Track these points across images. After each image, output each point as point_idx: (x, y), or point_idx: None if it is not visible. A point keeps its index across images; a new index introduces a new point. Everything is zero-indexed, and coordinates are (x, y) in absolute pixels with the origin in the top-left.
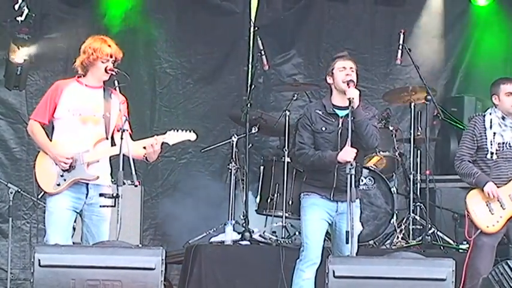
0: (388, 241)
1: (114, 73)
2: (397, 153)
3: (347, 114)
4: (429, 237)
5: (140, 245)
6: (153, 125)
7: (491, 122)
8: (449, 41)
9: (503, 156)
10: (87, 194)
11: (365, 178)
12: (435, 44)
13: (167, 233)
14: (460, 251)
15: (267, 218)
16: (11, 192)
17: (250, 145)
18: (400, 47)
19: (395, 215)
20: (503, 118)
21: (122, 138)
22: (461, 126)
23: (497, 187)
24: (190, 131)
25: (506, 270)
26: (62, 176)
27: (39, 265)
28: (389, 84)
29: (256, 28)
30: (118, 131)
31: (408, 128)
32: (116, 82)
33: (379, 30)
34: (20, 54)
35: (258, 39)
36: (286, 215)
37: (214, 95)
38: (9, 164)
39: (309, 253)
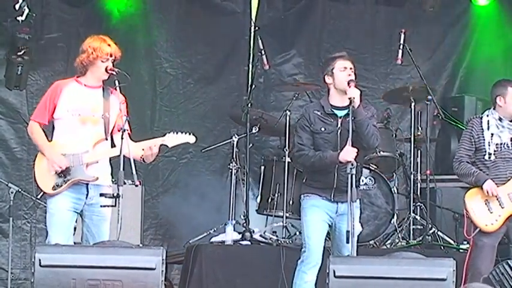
0: (389, 241)
1: (114, 73)
2: (397, 153)
3: (346, 114)
4: (430, 237)
5: (141, 245)
6: (154, 125)
7: (488, 124)
8: (449, 40)
9: (501, 156)
10: (87, 195)
11: (365, 178)
12: (435, 44)
13: (168, 232)
14: (461, 251)
15: (267, 218)
16: (12, 192)
17: (251, 145)
18: (401, 46)
19: (395, 215)
20: (500, 119)
21: (122, 138)
22: (461, 126)
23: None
24: (189, 133)
25: (506, 270)
26: (60, 176)
27: (40, 265)
28: (390, 84)
29: (256, 28)
30: (119, 130)
31: (408, 128)
32: (116, 82)
33: (379, 30)
34: (21, 54)
35: (259, 39)
36: (287, 215)
37: (214, 95)
38: (10, 163)
39: (311, 255)
